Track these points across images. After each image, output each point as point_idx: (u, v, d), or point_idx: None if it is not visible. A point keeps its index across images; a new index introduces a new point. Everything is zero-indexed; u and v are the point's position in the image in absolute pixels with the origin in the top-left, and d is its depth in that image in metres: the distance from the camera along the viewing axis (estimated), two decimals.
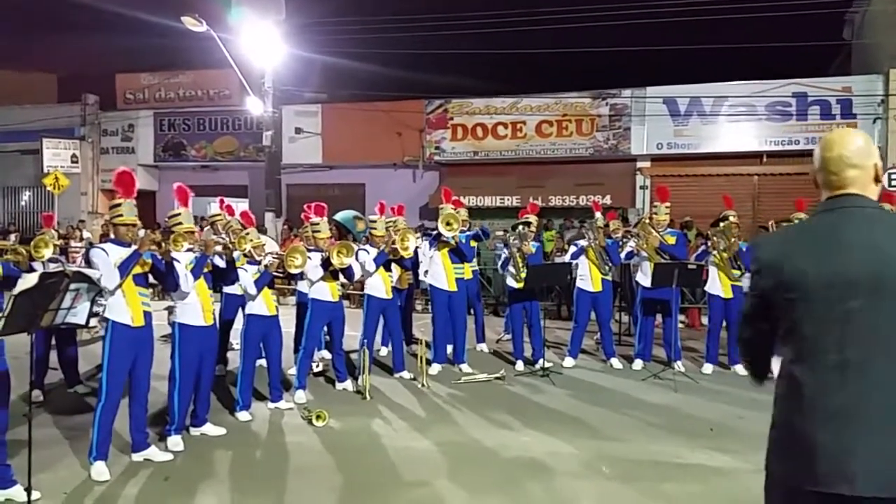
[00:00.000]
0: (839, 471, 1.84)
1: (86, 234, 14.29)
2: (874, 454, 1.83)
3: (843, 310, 1.91)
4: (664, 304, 8.11)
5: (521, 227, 8.32)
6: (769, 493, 2.07)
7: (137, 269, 4.93)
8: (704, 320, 10.32)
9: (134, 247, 4.91)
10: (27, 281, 3.67)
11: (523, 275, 7.96)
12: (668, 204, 8.20)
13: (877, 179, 2.07)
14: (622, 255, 8.40)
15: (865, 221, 1.99)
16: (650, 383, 7.54)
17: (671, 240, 8.19)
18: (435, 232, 8.06)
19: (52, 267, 6.39)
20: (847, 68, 16.42)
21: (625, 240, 8.44)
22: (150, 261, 5.05)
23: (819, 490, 1.87)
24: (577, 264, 8.35)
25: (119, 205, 4.97)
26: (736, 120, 14.86)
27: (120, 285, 4.80)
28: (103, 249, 4.87)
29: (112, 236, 5.24)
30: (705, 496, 4.56)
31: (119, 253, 4.84)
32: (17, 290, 3.63)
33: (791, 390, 1.98)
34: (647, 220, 8.36)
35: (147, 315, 4.99)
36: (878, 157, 2.09)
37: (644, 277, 8.15)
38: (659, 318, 8.65)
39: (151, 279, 5.21)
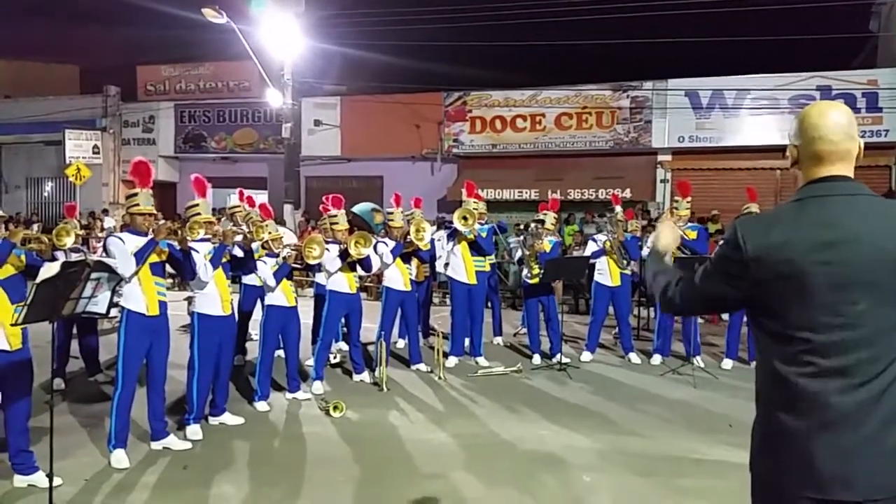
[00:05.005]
0: (841, 477, 1.76)
1: (107, 224, 14.42)
2: (874, 458, 1.75)
3: (846, 312, 1.78)
4: None
5: (533, 226, 8.24)
6: (756, 496, 1.96)
7: (154, 258, 4.96)
8: (724, 315, 10.22)
9: (150, 235, 4.93)
10: (49, 270, 3.70)
11: (535, 271, 7.91)
12: (689, 199, 8.11)
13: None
14: (642, 251, 8.32)
15: (867, 214, 1.82)
16: (669, 378, 7.48)
17: (692, 234, 8.09)
18: (453, 226, 8.05)
19: (75, 256, 6.46)
20: (873, 61, 16.12)
21: (645, 236, 8.34)
22: (167, 250, 5.08)
23: (818, 497, 1.78)
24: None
25: (136, 194, 4.99)
26: (759, 113, 14.66)
27: (136, 273, 4.83)
28: (120, 238, 4.91)
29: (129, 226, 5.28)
30: (723, 492, 4.51)
31: (136, 242, 4.86)
32: (39, 279, 3.66)
33: (782, 390, 1.85)
34: (669, 216, 8.26)
35: (162, 304, 5.01)
36: None
37: None
38: None
39: (169, 269, 5.24)
